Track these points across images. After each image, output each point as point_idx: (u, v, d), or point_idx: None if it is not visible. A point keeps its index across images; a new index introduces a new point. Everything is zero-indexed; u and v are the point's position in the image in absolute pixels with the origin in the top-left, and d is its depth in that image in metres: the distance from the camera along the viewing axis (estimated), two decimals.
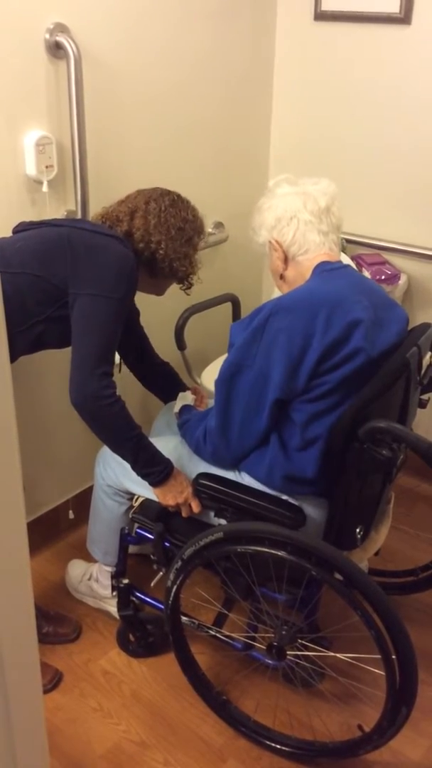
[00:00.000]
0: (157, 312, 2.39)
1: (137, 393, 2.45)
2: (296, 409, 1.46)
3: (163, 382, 2.07)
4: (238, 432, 1.52)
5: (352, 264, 2.34)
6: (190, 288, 1.84)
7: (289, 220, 1.56)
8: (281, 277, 1.62)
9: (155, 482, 1.62)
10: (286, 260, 1.58)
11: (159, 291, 1.83)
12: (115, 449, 1.62)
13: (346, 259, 2.35)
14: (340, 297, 1.44)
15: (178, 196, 1.74)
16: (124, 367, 2.11)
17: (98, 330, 1.55)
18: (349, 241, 2.48)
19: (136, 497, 1.78)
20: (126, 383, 2.34)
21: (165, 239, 1.66)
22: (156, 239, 1.66)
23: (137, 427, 1.61)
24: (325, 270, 1.52)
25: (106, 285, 1.55)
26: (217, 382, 1.52)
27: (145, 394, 2.47)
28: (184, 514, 1.63)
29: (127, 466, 1.76)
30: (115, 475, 1.78)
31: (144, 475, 1.63)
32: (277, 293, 2.37)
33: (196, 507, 1.63)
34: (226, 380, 1.50)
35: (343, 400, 1.43)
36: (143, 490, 1.71)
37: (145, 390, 2.46)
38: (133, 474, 1.75)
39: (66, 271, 1.56)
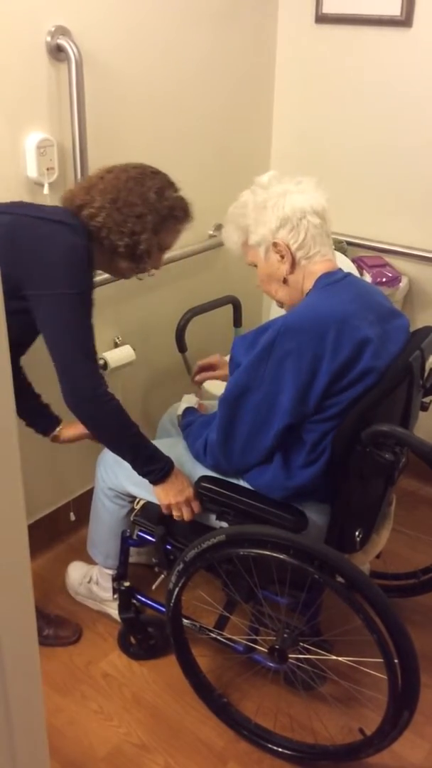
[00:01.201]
0: (157, 314, 2.39)
1: (138, 392, 2.45)
2: (308, 429, 1.44)
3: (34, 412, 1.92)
4: (240, 450, 1.51)
5: (353, 267, 2.34)
6: (142, 273, 1.70)
7: (298, 220, 1.48)
8: (284, 281, 1.54)
9: (156, 480, 1.60)
10: (293, 264, 1.51)
11: (115, 271, 1.69)
12: (115, 448, 1.61)
13: (346, 262, 2.35)
14: (347, 314, 1.40)
15: (154, 174, 1.63)
16: (129, 368, 2.10)
17: (71, 331, 1.50)
18: (350, 243, 2.48)
19: (137, 500, 1.78)
20: (127, 382, 2.35)
21: (107, 207, 1.54)
22: (97, 205, 1.54)
23: (134, 425, 1.59)
24: (329, 283, 1.48)
25: (60, 282, 1.47)
26: (222, 401, 1.49)
27: (146, 395, 2.48)
28: (185, 516, 1.62)
29: (129, 468, 1.76)
30: (117, 477, 1.78)
31: (145, 474, 1.61)
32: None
33: (196, 507, 1.62)
34: (231, 401, 1.47)
35: None
36: (145, 492, 1.71)
37: (145, 391, 2.47)
38: (135, 477, 1.75)
39: (15, 270, 1.46)
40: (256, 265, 1.59)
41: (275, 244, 1.51)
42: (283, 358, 1.39)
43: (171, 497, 1.61)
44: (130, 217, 1.55)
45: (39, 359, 1.69)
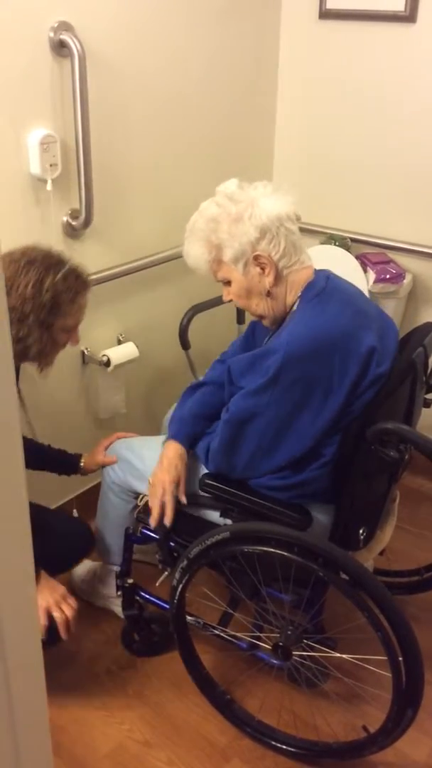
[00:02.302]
0: (160, 311, 2.39)
1: (141, 389, 2.45)
2: (323, 444, 1.43)
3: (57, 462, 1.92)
4: (242, 467, 1.51)
5: (357, 264, 2.34)
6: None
7: (277, 229, 1.42)
8: (268, 294, 1.47)
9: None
10: (277, 276, 1.45)
11: (40, 364, 1.62)
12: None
13: (350, 259, 2.34)
14: (346, 329, 1.38)
15: (28, 264, 1.50)
16: (132, 365, 2.10)
17: None
18: (354, 240, 2.48)
19: (141, 497, 1.78)
20: (130, 379, 2.34)
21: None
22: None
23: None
24: (315, 294, 1.44)
25: None
26: (225, 422, 1.47)
27: (149, 392, 2.47)
28: (68, 614, 1.57)
29: (134, 465, 1.76)
30: (122, 473, 1.78)
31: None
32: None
33: (73, 603, 1.57)
34: (235, 423, 1.45)
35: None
36: (146, 486, 1.71)
37: (148, 388, 2.46)
38: (139, 473, 1.75)
39: None
40: (228, 282, 1.52)
41: (257, 257, 1.44)
42: (291, 385, 1.37)
43: (46, 598, 1.55)
44: (12, 324, 1.45)
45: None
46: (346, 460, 1.42)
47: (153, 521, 1.60)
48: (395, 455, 1.36)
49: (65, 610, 1.56)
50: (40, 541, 1.48)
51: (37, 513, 1.61)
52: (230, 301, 1.56)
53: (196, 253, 1.51)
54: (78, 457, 1.91)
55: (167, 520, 1.59)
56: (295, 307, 1.48)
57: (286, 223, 1.44)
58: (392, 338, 1.50)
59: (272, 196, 1.46)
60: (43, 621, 1.54)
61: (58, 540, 1.72)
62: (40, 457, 1.85)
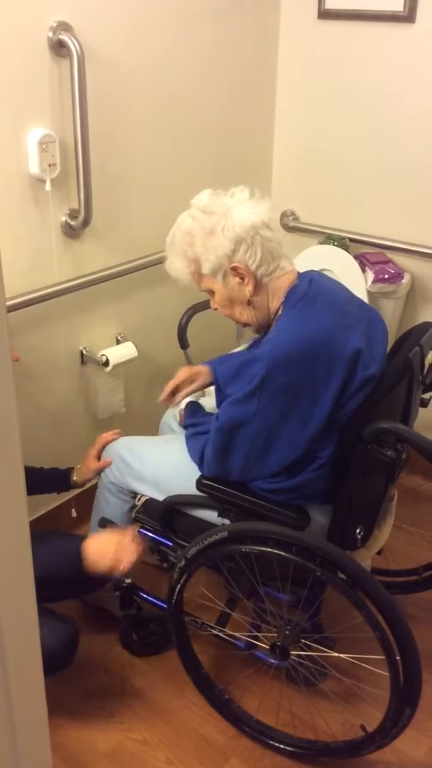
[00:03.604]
0: (159, 310, 2.39)
1: (140, 389, 2.45)
2: (323, 447, 1.43)
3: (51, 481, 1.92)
4: (237, 472, 1.51)
5: (355, 265, 2.34)
6: None
7: (252, 238, 1.41)
8: (249, 303, 1.48)
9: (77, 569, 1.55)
10: (256, 285, 1.45)
11: None
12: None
13: (348, 259, 2.34)
14: (330, 333, 1.37)
15: None
16: (131, 365, 2.10)
17: None
18: (352, 240, 2.48)
19: (139, 497, 1.78)
20: (128, 379, 2.34)
21: None
22: None
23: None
24: (300, 298, 1.43)
25: None
26: (216, 430, 1.47)
27: (147, 392, 2.47)
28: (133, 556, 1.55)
29: (132, 465, 1.75)
30: (120, 473, 1.78)
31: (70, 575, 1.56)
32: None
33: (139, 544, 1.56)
34: (226, 431, 1.45)
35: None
36: (147, 489, 1.71)
37: (147, 388, 2.46)
38: (138, 473, 1.74)
39: None
40: (212, 292, 1.53)
41: (234, 268, 1.45)
42: (277, 392, 1.37)
43: (106, 564, 1.55)
44: None
45: None
46: (344, 459, 1.42)
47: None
48: (392, 455, 1.36)
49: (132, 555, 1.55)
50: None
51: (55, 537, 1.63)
52: (217, 309, 1.57)
53: (176, 267, 1.53)
54: (69, 471, 1.90)
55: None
56: (279, 313, 1.48)
57: (261, 231, 1.43)
58: (381, 339, 1.49)
59: (247, 204, 1.45)
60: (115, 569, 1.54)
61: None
62: (29, 481, 1.83)
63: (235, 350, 1.93)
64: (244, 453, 1.46)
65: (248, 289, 1.46)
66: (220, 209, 1.44)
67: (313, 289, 1.45)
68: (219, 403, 1.52)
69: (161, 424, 2.07)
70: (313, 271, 1.56)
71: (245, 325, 1.56)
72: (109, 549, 1.55)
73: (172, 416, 2.02)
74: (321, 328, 1.38)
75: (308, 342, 1.36)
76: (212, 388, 1.98)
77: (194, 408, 1.79)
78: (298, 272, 1.51)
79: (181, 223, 1.50)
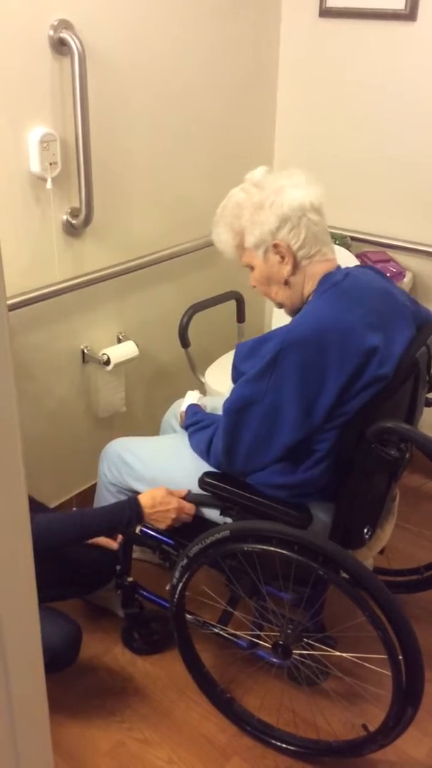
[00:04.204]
0: (160, 310, 2.39)
1: (141, 388, 2.45)
2: (317, 440, 1.42)
3: None
4: (243, 458, 1.50)
5: (357, 263, 2.33)
6: None
7: (298, 219, 1.42)
8: (286, 283, 1.49)
9: (137, 521, 1.60)
10: (294, 265, 1.46)
11: None
12: (80, 540, 1.60)
13: (350, 257, 2.34)
14: (351, 324, 1.37)
15: None
16: (132, 363, 2.09)
17: None
18: (354, 239, 2.47)
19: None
20: (129, 378, 2.34)
21: None
22: None
23: (71, 515, 1.59)
24: (330, 287, 1.44)
25: None
26: (226, 411, 1.47)
27: (149, 391, 2.47)
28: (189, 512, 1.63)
29: (132, 465, 1.76)
30: (120, 473, 1.78)
31: (126, 527, 1.61)
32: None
33: (190, 510, 1.62)
34: (235, 411, 1.45)
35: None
36: (148, 488, 1.71)
37: (148, 386, 2.46)
38: (138, 473, 1.75)
39: None
40: (252, 267, 1.54)
41: (276, 245, 1.45)
42: (287, 372, 1.36)
43: (165, 522, 1.61)
44: None
45: None
46: (347, 458, 1.42)
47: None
48: (396, 454, 1.36)
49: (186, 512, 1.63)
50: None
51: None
52: (255, 287, 1.58)
53: (222, 238, 1.55)
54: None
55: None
56: (310, 298, 1.48)
57: (308, 214, 1.43)
58: (401, 344, 1.46)
59: (300, 186, 1.45)
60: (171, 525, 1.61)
61: (81, 567, 1.76)
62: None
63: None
64: (252, 435, 1.45)
65: (287, 268, 1.46)
66: (273, 186, 1.45)
67: (346, 282, 1.45)
68: (234, 380, 1.52)
69: (163, 423, 2.07)
70: (358, 267, 1.55)
71: (280, 305, 1.56)
72: (166, 500, 1.60)
73: (173, 415, 2.02)
74: (341, 319, 1.38)
75: (324, 329, 1.36)
76: (209, 398, 1.99)
77: (195, 409, 1.78)
78: (340, 265, 1.51)
79: (232, 196, 1.52)
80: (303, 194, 1.44)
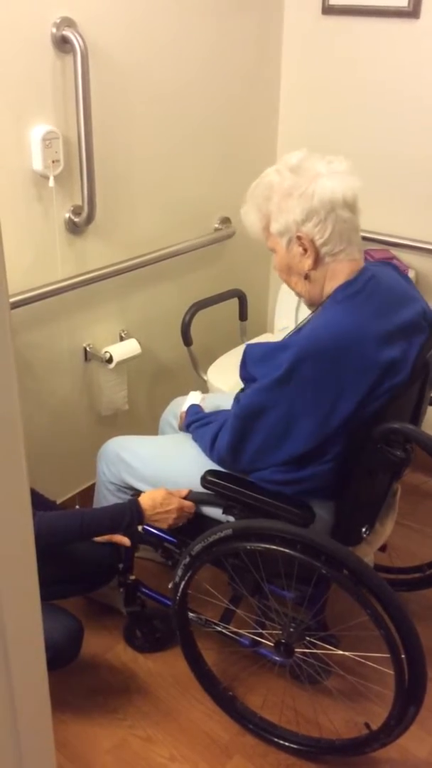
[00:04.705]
0: (163, 307, 2.39)
1: (144, 386, 2.45)
2: (331, 443, 1.40)
3: None
4: (249, 460, 1.49)
5: None
6: None
7: (326, 214, 1.35)
8: (306, 277, 1.44)
9: (138, 522, 1.60)
10: (316, 260, 1.40)
11: None
12: (80, 539, 1.60)
13: None
14: (372, 334, 1.33)
15: None
16: (134, 361, 2.09)
17: None
18: None
19: (140, 494, 1.78)
20: (132, 375, 2.34)
21: None
22: None
23: (73, 514, 1.59)
24: (349, 296, 1.39)
25: None
26: (235, 416, 1.45)
27: (151, 388, 2.47)
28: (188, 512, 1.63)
29: (131, 464, 1.75)
30: (118, 471, 1.78)
31: (126, 528, 1.61)
32: (284, 291, 2.34)
33: (191, 509, 1.62)
34: (245, 417, 1.43)
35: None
36: (149, 487, 1.71)
37: (150, 384, 2.46)
38: (137, 472, 1.74)
39: None
40: (275, 252, 1.49)
41: (299, 237, 1.39)
42: (304, 384, 1.34)
43: (166, 522, 1.61)
44: None
45: None
46: (352, 457, 1.42)
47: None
48: (401, 455, 1.35)
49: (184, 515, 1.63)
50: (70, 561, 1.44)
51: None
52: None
53: (249, 217, 1.48)
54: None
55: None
56: (327, 300, 1.43)
57: (338, 210, 1.36)
58: (417, 345, 1.44)
59: (337, 176, 1.37)
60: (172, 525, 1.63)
61: (84, 565, 1.76)
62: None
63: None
64: (260, 440, 1.44)
65: (308, 262, 1.41)
66: (308, 173, 1.37)
67: (369, 288, 1.40)
68: (242, 378, 1.49)
69: (161, 421, 2.06)
70: (380, 266, 1.50)
71: (299, 295, 1.52)
72: (167, 501, 1.60)
73: (172, 414, 2.01)
74: (361, 332, 1.33)
75: (344, 341, 1.32)
76: (211, 395, 1.98)
77: (196, 409, 1.78)
78: (365, 266, 1.45)
79: (266, 175, 1.45)
80: (337, 186, 1.36)
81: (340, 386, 1.33)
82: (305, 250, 1.40)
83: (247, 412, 1.43)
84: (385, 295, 1.42)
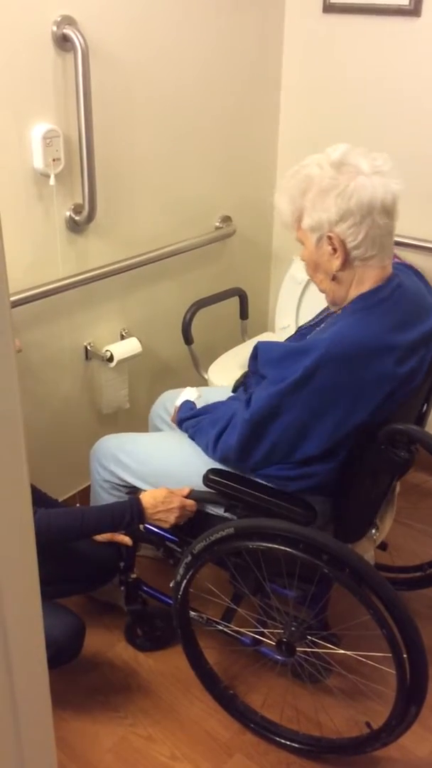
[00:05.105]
0: (164, 306, 2.39)
1: (144, 385, 2.45)
2: (342, 446, 1.40)
3: None
4: (259, 461, 1.49)
5: None
6: None
7: (362, 217, 1.31)
8: (333, 278, 1.41)
9: (139, 521, 1.59)
10: (345, 262, 1.37)
11: None
12: (80, 537, 1.60)
13: None
14: (394, 344, 1.32)
15: None
16: (135, 360, 2.09)
17: None
18: None
19: (138, 492, 1.77)
20: (132, 374, 2.34)
21: None
22: None
23: (73, 511, 1.58)
24: (374, 303, 1.37)
25: None
26: (247, 420, 1.42)
27: (151, 387, 2.47)
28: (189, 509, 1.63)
29: (124, 461, 1.74)
30: (114, 470, 1.76)
31: (127, 527, 1.61)
32: (285, 290, 2.33)
33: (192, 507, 1.61)
34: (256, 421, 1.41)
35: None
36: (148, 487, 1.70)
37: (151, 383, 2.46)
38: (133, 469, 1.74)
39: None
40: (304, 245, 1.46)
41: (330, 237, 1.35)
42: (321, 391, 1.33)
43: (167, 521, 1.60)
44: None
45: None
46: (356, 458, 1.41)
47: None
48: (406, 456, 1.35)
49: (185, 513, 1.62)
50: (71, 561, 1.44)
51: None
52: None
53: (282, 206, 1.43)
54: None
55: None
56: (350, 305, 1.41)
57: (375, 215, 1.31)
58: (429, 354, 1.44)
59: (378, 177, 1.32)
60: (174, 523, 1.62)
61: (85, 563, 1.76)
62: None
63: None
64: (272, 443, 1.43)
65: (337, 263, 1.37)
66: (349, 171, 1.32)
67: (395, 297, 1.38)
68: (251, 371, 1.48)
69: (151, 414, 2.02)
70: (405, 271, 1.48)
71: (323, 292, 1.49)
72: (168, 500, 1.60)
73: (162, 407, 1.98)
74: (383, 341, 1.32)
75: (365, 349, 1.31)
76: (206, 388, 1.97)
77: (190, 405, 1.76)
78: (392, 273, 1.42)
79: (307, 165, 1.38)
80: (377, 189, 1.31)
81: (358, 394, 1.32)
82: (335, 250, 1.37)
83: (259, 416, 1.41)
84: (409, 305, 1.40)
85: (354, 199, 1.31)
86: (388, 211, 1.34)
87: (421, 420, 1.59)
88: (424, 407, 1.59)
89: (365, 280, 1.39)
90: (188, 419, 1.69)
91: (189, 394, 1.86)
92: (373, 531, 1.52)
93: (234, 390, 1.68)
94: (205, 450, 1.61)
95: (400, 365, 1.33)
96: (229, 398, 1.70)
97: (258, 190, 2.56)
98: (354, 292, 1.41)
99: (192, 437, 1.66)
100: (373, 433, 1.37)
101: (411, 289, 1.43)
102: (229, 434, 1.50)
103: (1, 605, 0.73)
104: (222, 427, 1.53)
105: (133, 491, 1.75)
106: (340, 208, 1.32)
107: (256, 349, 1.47)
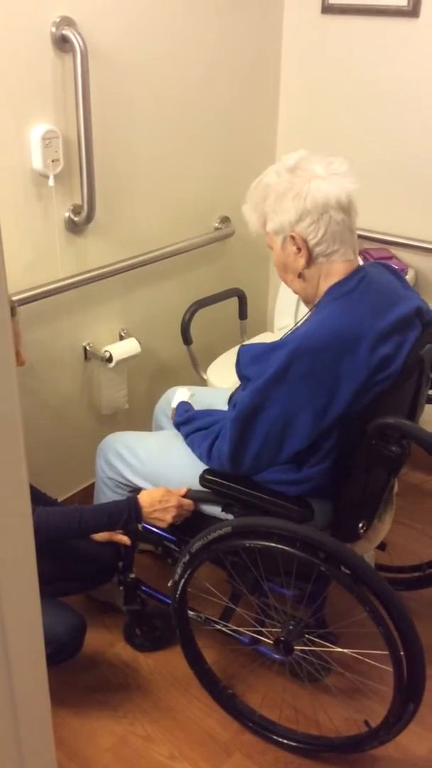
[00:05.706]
0: (163, 306, 2.39)
1: (143, 385, 2.45)
2: (324, 438, 1.41)
3: None
4: (249, 462, 1.49)
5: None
6: None
7: (319, 215, 1.39)
8: (300, 275, 1.48)
9: (136, 520, 1.60)
10: (309, 260, 1.44)
11: None
12: (78, 535, 1.60)
13: None
14: (365, 332, 1.35)
15: None
16: (134, 360, 2.09)
17: None
18: None
19: (139, 491, 1.78)
20: (131, 374, 2.35)
21: None
22: None
23: (71, 510, 1.59)
24: (341, 295, 1.41)
25: None
26: (233, 420, 1.46)
27: (150, 387, 2.48)
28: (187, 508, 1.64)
29: (129, 461, 1.75)
30: (117, 468, 1.77)
31: (124, 526, 1.61)
32: (284, 290, 2.35)
33: (189, 507, 1.62)
34: (243, 419, 1.44)
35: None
36: (148, 485, 1.71)
37: (150, 383, 2.47)
38: (137, 468, 1.75)
39: None
40: (273, 249, 1.52)
41: (292, 237, 1.43)
42: (298, 381, 1.36)
43: (164, 520, 1.61)
44: None
45: None
46: (349, 454, 1.42)
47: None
48: (397, 450, 1.36)
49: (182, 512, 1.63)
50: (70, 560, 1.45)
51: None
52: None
53: (249, 216, 1.52)
54: None
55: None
56: (322, 300, 1.45)
57: (332, 211, 1.39)
58: (410, 341, 1.45)
59: (333, 179, 1.40)
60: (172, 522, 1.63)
61: (85, 563, 1.77)
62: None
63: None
64: (259, 442, 1.44)
65: (301, 261, 1.44)
66: (304, 174, 1.41)
67: (361, 287, 1.42)
68: (239, 377, 1.50)
69: (156, 411, 2.03)
70: (373, 265, 1.53)
71: (295, 292, 1.55)
72: (165, 499, 1.61)
73: (166, 403, 1.99)
74: (353, 330, 1.36)
75: (337, 339, 1.35)
76: (200, 387, 1.98)
77: (186, 407, 1.77)
78: (359, 265, 1.48)
79: (266, 175, 1.48)
80: (331, 189, 1.39)
81: (335, 382, 1.35)
82: (299, 249, 1.44)
83: (244, 415, 1.44)
84: (378, 294, 1.44)
85: (309, 199, 1.38)
86: (344, 208, 1.40)
87: (412, 416, 1.59)
88: (417, 405, 1.59)
89: (332, 274, 1.45)
90: (182, 424, 1.70)
91: (182, 395, 1.86)
92: (360, 525, 1.52)
93: (229, 401, 1.70)
94: (200, 459, 1.61)
95: (374, 350, 1.35)
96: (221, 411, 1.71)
97: None
98: (323, 287, 1.46)
99: (188, 445, 1.67)
100: (362, 428, 1.37)
101: (378, 280, 1.47)
102: (221, 442, 1.53)
103: (0, 604, 0.74)
104: (213, 438, 1.56)
105: (135, 491, 1.76)
106: (297, 208, 1.39)
107: (238, 354, 1.50)
